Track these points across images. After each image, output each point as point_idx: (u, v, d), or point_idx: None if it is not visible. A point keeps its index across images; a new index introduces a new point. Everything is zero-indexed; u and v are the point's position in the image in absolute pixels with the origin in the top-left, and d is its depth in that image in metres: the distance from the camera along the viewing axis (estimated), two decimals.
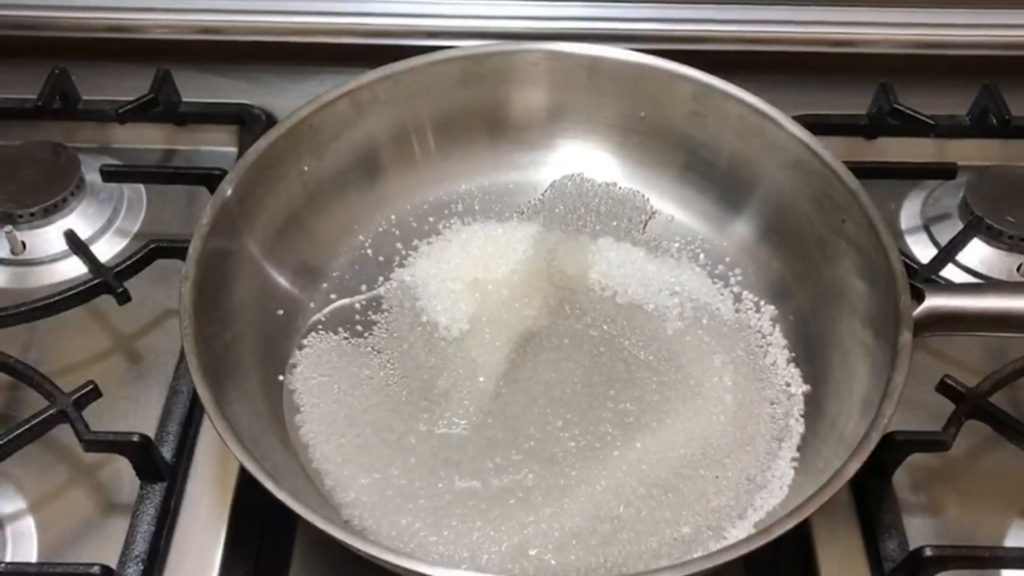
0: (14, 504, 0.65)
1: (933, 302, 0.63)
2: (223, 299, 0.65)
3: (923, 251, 0.80)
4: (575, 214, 0.77)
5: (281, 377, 0.68)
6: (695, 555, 0.59)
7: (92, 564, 0.59)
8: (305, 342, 0.70)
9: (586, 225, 0.76)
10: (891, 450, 0.65)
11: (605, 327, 0.70)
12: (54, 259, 0.78)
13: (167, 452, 0.66)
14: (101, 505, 0.66)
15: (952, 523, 0.66)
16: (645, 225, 0.76)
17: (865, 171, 0.76)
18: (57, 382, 0.66)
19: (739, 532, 0.61)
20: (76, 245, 0.76)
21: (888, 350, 0.61)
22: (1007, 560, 0.63)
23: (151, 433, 0.66)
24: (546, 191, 0.78)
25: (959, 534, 0.65)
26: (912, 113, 0.84)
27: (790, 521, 0.55)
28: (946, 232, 0.80)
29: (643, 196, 0.78)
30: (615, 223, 0.76)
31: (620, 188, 0.78)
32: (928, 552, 0.60)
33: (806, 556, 0.64)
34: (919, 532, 0.65)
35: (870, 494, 0.65)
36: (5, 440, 0.63)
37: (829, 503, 0.55)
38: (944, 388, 0.67)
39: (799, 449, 0.65)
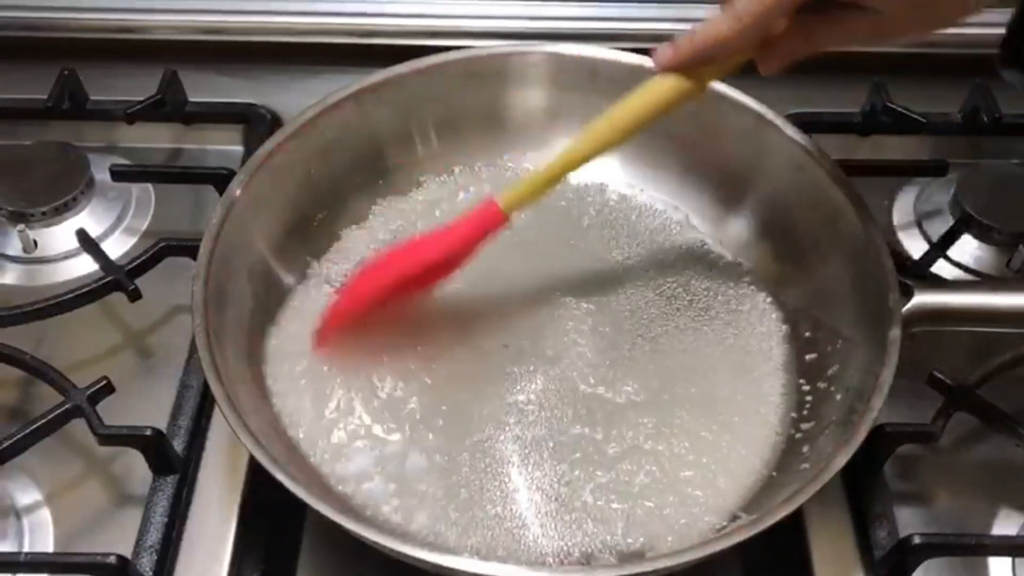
0: (31, 496, 0.67)
1: (922, 299, 0.64)
2: (233, 297, 0.67)
3: (915, 246, 0.81)
4: (573, 213, 0.78)
5: None
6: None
7: (108, 554, 0.60)
8: None
9: (585, 224, 0.77)
10: (881, 442, 0.66)
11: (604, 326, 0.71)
12: (65, 257, 0.79)
13: (178, 445, 0.68)
14: (115, 497, 0.67)
15: (941, 512, 0.68)
16: (642, 223, 0.77)
17: (858, 168, 0.78)
18: (70, 377, 0.67)
19: (733, 521, 0.62)
20: (87, 243, 0.77)
21: (878, 345, 0.62)
22: (993, 548, 0.64)
23: (162, 427, 0.67)
24: None
25: (948, 522, 0.67)
26: (904, 111, 0.85)
27: (782, 510, 0.56)
28: (938, 228, 0.81)
29: (640, 193, 0.79)
30: (612, 221, 0.77)
31: (618, 187, 0.79)
32: (916, 540, 0.62)
33: (799, 544, 0.65)
34: (909, 521, 0.66)
35: (861, 484, 0.67)
36: (23, 434, 0.65)
37: (821, 493, 0.57)
38: (933, 381, 0.68)
39: (791, 440, 0.66)
